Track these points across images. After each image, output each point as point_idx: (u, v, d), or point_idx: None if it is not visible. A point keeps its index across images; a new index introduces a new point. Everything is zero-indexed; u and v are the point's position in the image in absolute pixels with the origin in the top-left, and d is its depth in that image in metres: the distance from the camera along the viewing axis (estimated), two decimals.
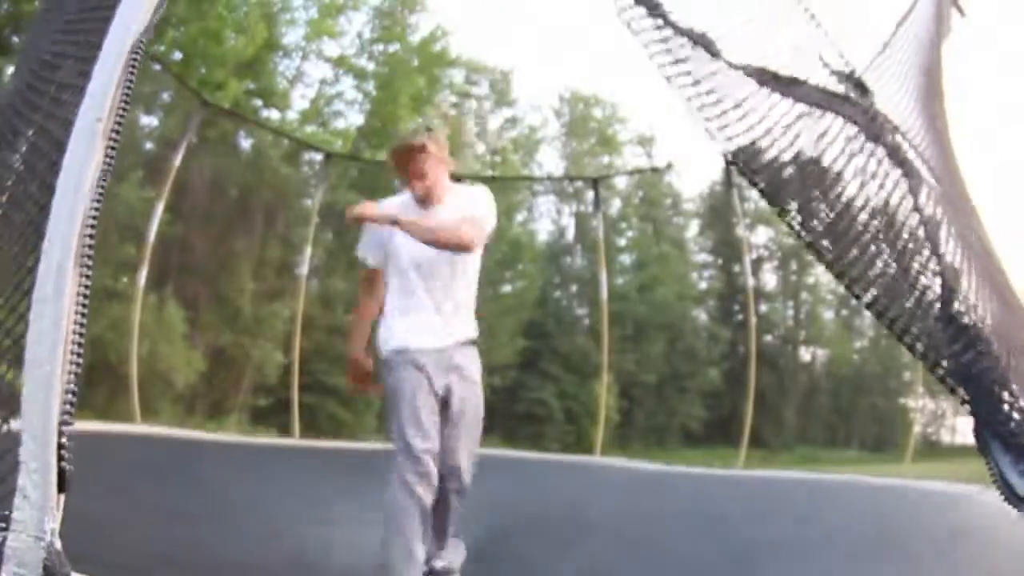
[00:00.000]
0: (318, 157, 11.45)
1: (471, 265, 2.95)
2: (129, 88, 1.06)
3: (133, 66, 1.06)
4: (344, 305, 16.45)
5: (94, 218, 1.00)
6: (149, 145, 15.48)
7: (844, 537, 3.00)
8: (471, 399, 2.91)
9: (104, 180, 1.02)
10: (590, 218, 22.43)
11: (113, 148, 1.02)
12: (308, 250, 8.35)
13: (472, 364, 2.93)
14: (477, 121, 25.70)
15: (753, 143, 1.47)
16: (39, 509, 0.91)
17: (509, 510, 3.72)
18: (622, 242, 27.00)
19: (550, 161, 28.07)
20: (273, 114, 17.55)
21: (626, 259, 26.78)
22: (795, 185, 1.51)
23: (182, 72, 13.05)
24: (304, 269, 8.23)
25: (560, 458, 7.26)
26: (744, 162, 1.44)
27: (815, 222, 1.46)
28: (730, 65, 1.55)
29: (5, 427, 1.00)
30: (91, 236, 1.01)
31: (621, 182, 27.90)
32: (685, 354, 25.87)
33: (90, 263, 1.01)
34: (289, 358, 10.03)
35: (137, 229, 8.83)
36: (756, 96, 1.53)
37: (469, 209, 2.88)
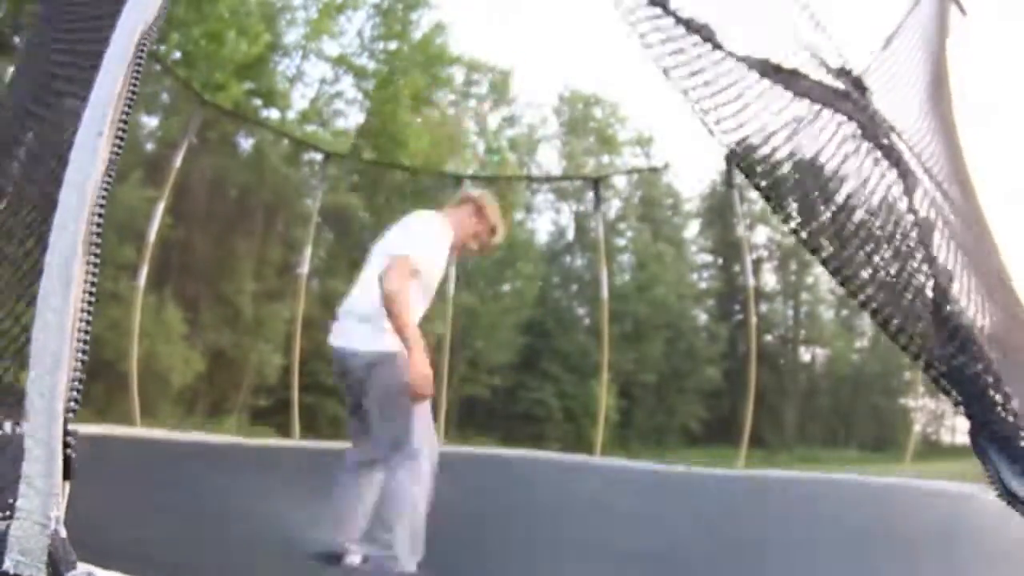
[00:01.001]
0: (318, 157, 11.44)
1: None
2: (133, 95, 1.05)
3: (137, 73, 1.06)
4: None
5: (100, 214, 1.00)
6: (150, 146, 15.47)
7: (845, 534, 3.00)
8: None
9: (107, 186, 1.03)
10: (590, 218, 22.44)
11: (117, 154, 1.03)
12: (308, 250, 8.36)
13: None
14: (476, 120, 25.69)
15: (752, 138, 1.46)
16: (44, 496, 0.89)
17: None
18: (622, 242, 27.00)
19: (549, 160, 28.08)
20: (273, 114, 17.54)
21: (626, 259, 26.79)
22: (794, 182, 1.50)
23: (183, 73, 13.04)
24: (304, 269, 8.23)
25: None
26: (743, 158, 1.43)
27: (814, 221, 1.45)
28: (732, 56, 1.53)
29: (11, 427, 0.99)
30: (100, 215, 1.00)
31: (620, 182, 27.92)
32: (685, 354, 25.85)
33: (98, 251, 1.00)
34: (289, 359, 10.03)
35: (137, 230, 8.82)
36: (758, 89, 1.52)
37: None
